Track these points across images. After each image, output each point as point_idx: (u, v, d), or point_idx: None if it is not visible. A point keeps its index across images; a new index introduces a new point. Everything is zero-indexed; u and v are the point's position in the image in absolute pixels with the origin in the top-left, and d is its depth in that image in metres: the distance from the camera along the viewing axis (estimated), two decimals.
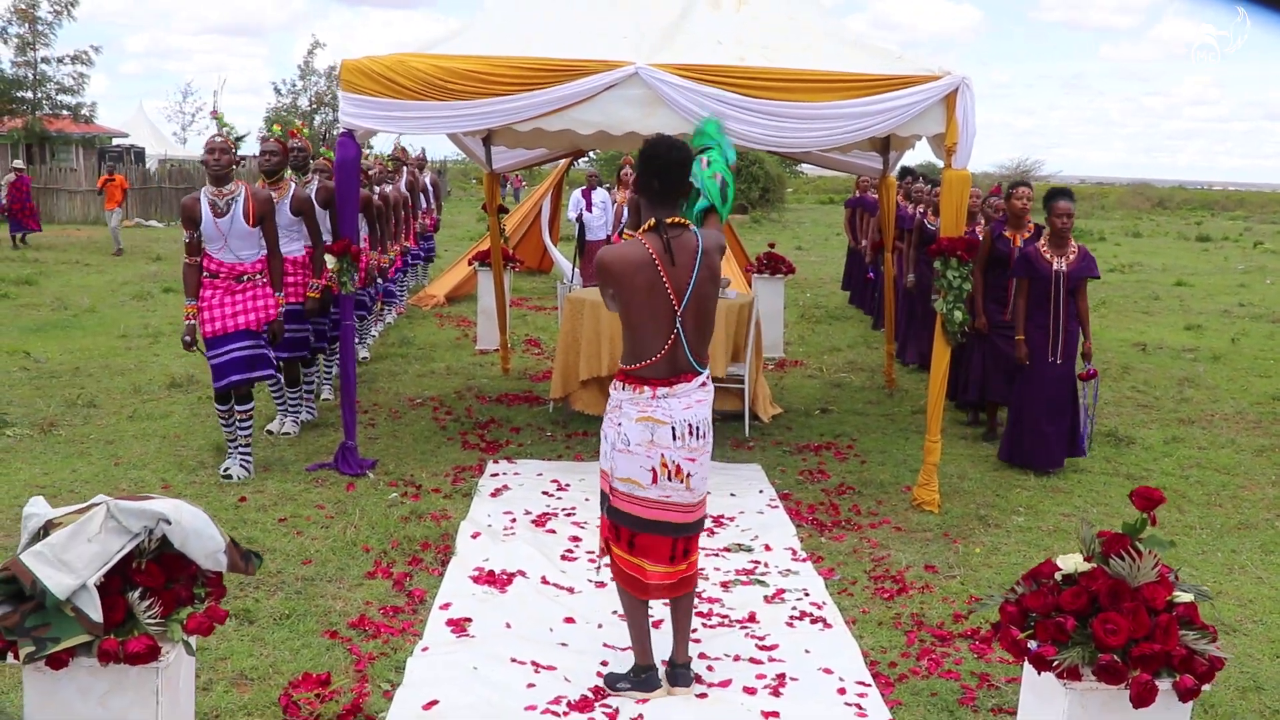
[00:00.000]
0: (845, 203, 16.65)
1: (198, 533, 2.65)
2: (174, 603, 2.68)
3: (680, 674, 4.28)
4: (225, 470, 6.67)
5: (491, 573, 5.30)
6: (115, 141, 42.09)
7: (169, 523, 2.60)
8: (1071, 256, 7.01)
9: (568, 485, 6.82)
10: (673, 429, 3.99)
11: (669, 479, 4.02)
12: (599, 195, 16.35)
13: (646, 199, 4.04)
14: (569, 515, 6.29)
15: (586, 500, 6.52)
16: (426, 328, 13.10)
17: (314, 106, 46.21)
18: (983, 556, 5.85)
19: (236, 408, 6.70)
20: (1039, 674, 2.89)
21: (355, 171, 6.71)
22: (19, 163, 25.32)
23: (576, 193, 16.56)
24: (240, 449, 6.75)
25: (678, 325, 3.97)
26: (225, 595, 2.88)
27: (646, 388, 4.00)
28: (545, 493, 6.68)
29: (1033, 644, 2.86)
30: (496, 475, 6.99)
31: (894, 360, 10.33)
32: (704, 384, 4.11)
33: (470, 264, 12.30)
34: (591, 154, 17.21)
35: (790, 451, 7.90)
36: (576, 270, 16.21)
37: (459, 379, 10.06)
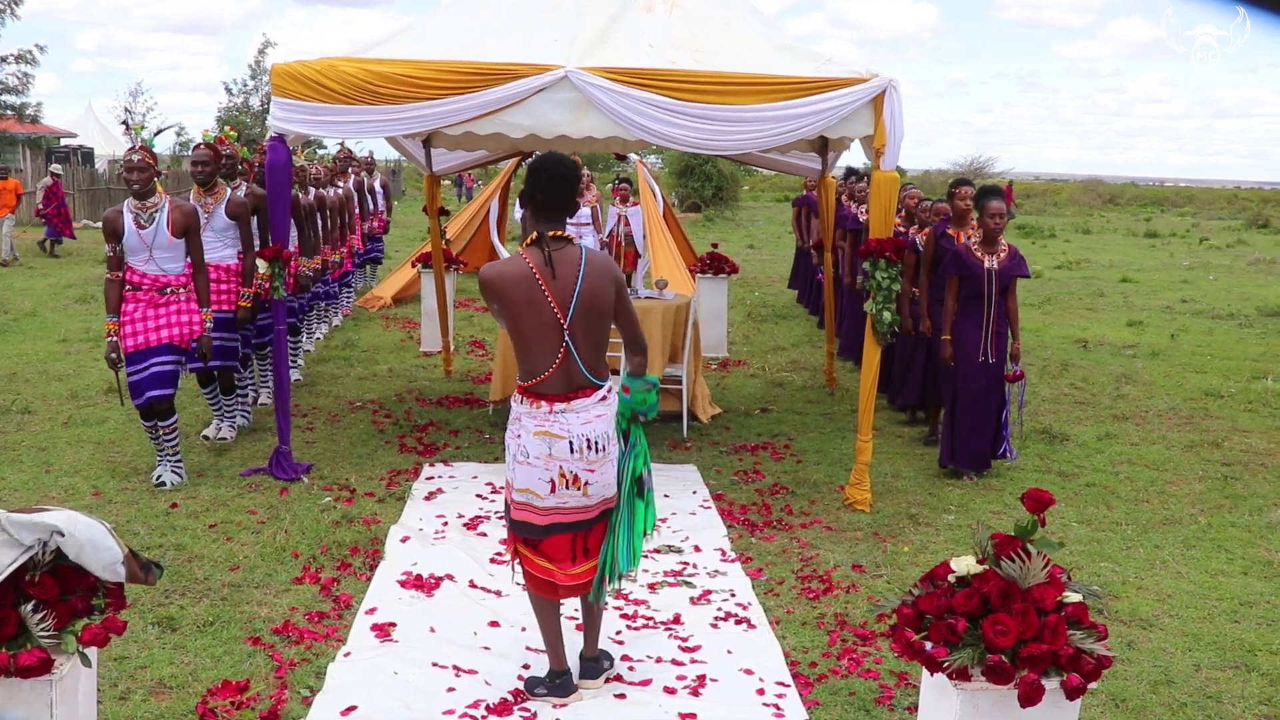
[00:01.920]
0: (793, 202, 16.76)
1: (93, 544, 2.65)
2: (69, 614, 2.67)
3: (588, 667, 4.35)
4: (157, 478, 6.62)
5: (419, 577, 5.31)
6: (63, 142, 41.52)
7: (62, 535, 2.59)
8: (1002, 255, 7.10)
9: (502, 488, 6.82)
10: (570, 444, 3.99)
11: (566, 488, 4.04)
12: None
13: (531, 211, 4.04)
14: (501, 518, 6.29)
15: None
16: (372, 330, 13.06)
17: (265, 107, 45.75)
18: (910, 555, 5.92)
19: (159, 423, 6.65)
20: (931, 675, 2.95)
21: (286, 176, 6.69)
22: (56, 168, 24.84)
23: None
24: (169, 457, 6.71)
25: (566, 339, 3.96)
26: (125, 606, 2.87)
27: (544, 403, 4.00)
28: (479, 495, 6.69)
29: (928, 644, 2.91)
30: (432, 479, 6.99)
31: (834, 359, 10.40)
32: (604, 398, 4.10)
33: (413, 265, 12.29)
34: (537, 154, 17.20)
35: (727, 452, 7.95)
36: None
37: (401, 381, 10.04)
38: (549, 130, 6.59)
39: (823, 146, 9.24)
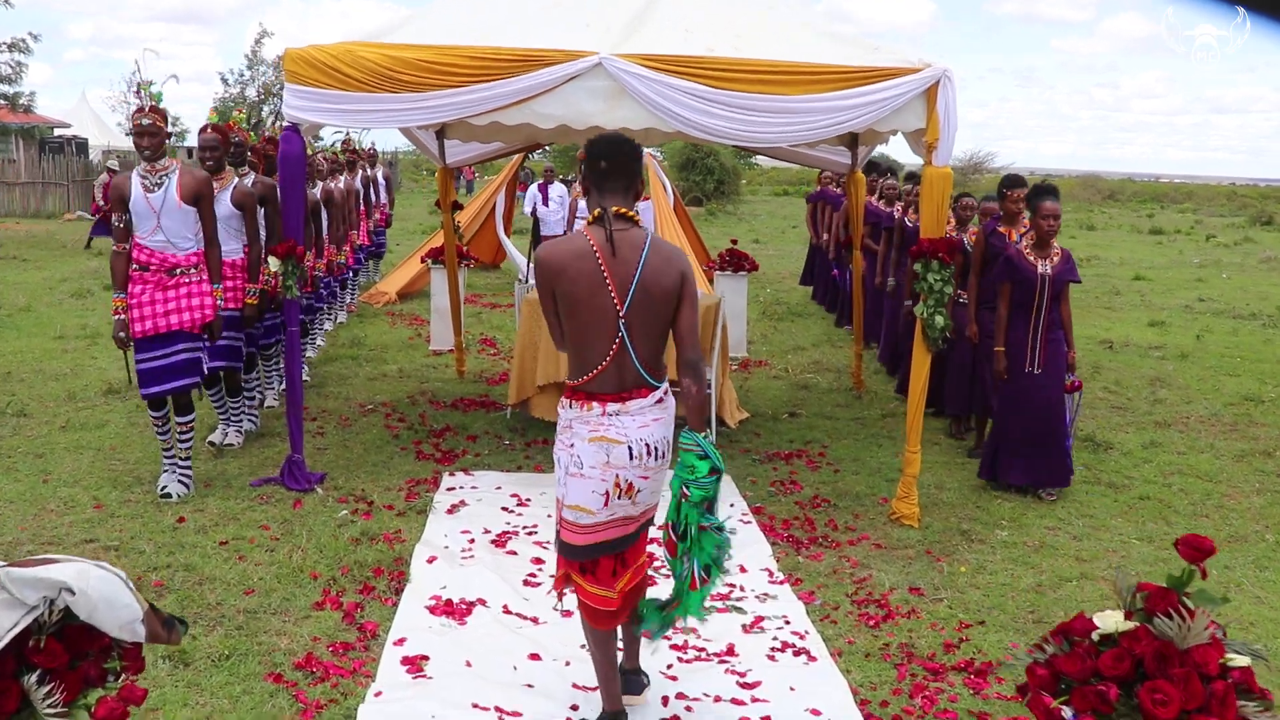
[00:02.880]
0: (807, 197, 16.37)
1: (109, 601, 2.26)
2: (80, 684, 2.27)
3: (632, 681, 4.05)
4: (163, 488, 6.23)
5: (449, 602, 4.92)
6: (57, 132, 40.96)
7: (73, 593, 2.20)
8: (1055, 259, 6.70)
9: (528, 500, 6.45)
10: (629, 449, 3.65)
11: (620, 498, 3.71)
12: (555, 189, 16.00)
13: (592, 184, 3.72)
14: (530, 534, 5.92)
15: (549, 517, 6.13)
16: (378, 327, 12.65)
17: (261, 97, 45.25)
18: (969, 576, 5.55)
19: (176, 418, 6.26)
20: None
21: (300, 167, 6.29)
22: (113, 163, 24.35)
23: (533, 187, 16.19)
24: (179, 464, 6.32)
25: (621, 329, 3.61)
26: (143, 668, 2.47)
27: (595, 404, 3.66)
28: (505, 509, 6.30)
29: (1067, 711, 2.53)
30: (453, 489, 6.60)
31: (862, 361, 10.02)
32: (660, 400, 3.75)
33: (423, 261, 11.88)
34: (546, 146, 16.79)
35: (759, 460, 7.57)
36: (532, 266, 15.81)
37: (412, 382, 9.64)
38: (581, 120, 6.19)
39: (852, 140, 8.87)
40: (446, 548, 5.59)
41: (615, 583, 3.80)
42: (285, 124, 6.16)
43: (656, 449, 3.71)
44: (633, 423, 3.65)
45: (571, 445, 3.71)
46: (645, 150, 16.64)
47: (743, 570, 5.47)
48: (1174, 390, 10.37)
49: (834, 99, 6.02)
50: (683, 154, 39.00)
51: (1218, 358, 12.26)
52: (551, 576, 5.25)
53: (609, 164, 3.65)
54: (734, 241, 11.79)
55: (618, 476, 3.66)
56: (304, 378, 9.28)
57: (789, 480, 7.09)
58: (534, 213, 15.78)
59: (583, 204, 15.80)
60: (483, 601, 4.95)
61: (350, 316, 13.05)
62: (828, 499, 6.72)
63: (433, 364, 10.56)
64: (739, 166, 43.70)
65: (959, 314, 7.70)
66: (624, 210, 3.66)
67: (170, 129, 6.09)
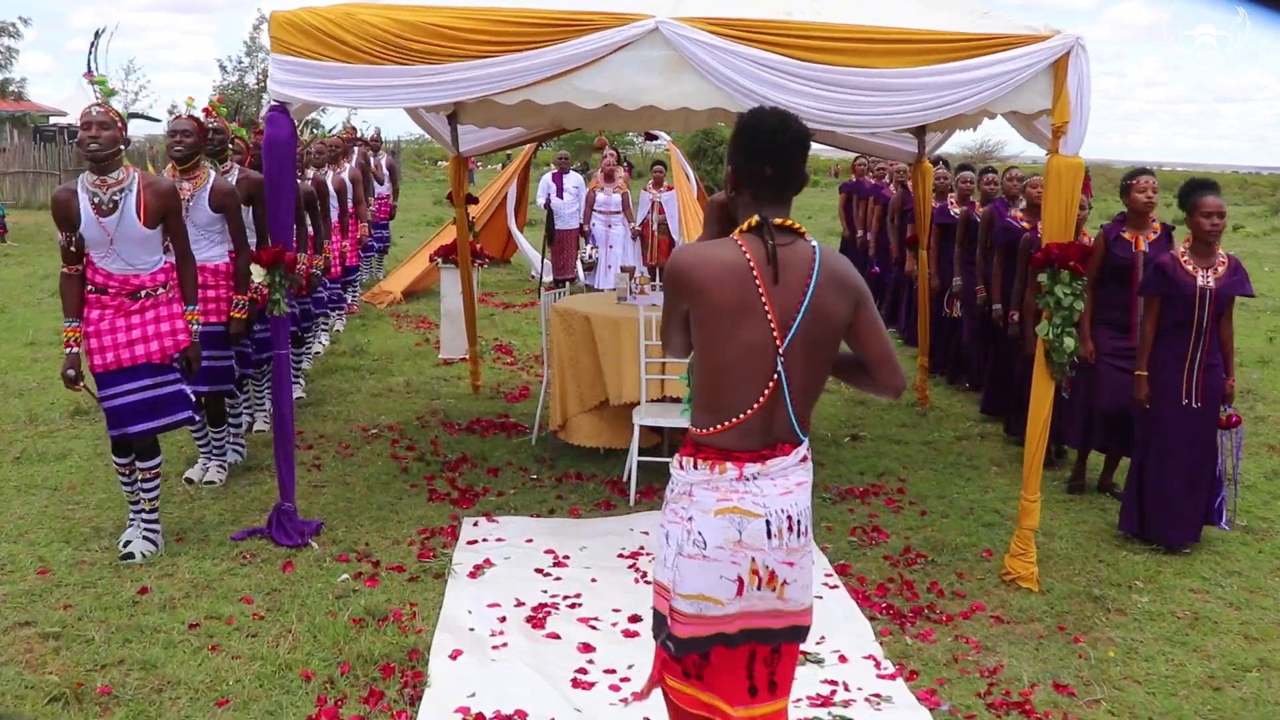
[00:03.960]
0: (840, 188, 15.25)
1: None
2: None
3: None
4: (124, 545, 5.14)
5: (480, 716, 3.83)
6: (52, 120, 39.85)
7: None
8: (1220, 268, 5.58)
9: (566, 558, 5.35)
10: (767, 523, 2.71)
11: (759, 588, 2.74)
12: (571, 179, 14.90)
13: (750, 191, 2.74)
14: (574, 607, 4.83)
15: (594, 582, 5.08)
16: (382, 331, 11.54)
17: (261, 84, 44.08)
18: (1121, 664, 4.46)
19: (138, 464, 5.18)
20: None
21: (289, 156, 5.18)
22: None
23: (546, 176, 15.08)
24: (145, 517, 5.24)
25: (779, 368, 2.68)
26: None
27: (730, 464, 2.72)
28: (539, 570, 5.20)
29: None
30: (474, 543, 5.51)
31: (928, 374, 8.91)
32: (805, 458, 2.82)
33: (431, 260, 10.77)
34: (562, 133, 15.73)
35: (831, 499, 6.46)
36: (546, 261, 14.75)
37: (421, 399, 8.55)
38: (633, 98, 5.09)
39: (920, 126, 7.78)
40: (472, 630, 4.49)
41: (754, 704, 2.80)
42: (271, 103, 5.06)
43: (799, 523, 2.76)
44: (773, 488, 2.72)
45: (689, 519, 2.74)
46: (669, 137, 15.62)
47: (843, 660, 4.39)
48: (1271, 404, 9.27)
49: (943, 74, 4.93)
50: (694, 142, 37.77)
51: None
52: (608, 671, 4.21)
53: (776, 169, 2.72)
54: None
55: (754, 560, 2.72)
56: (300, 395, 8.21)
57: (870, 527, 5.99)
58: (548, 205, 14.67)
59: (600, 195, 14.69)
60: (523, 715, 3.85)
61: (350, 320, 11.93)
62: (922, 552, 5.62)
63: (443, 375, 9.46)
64: None
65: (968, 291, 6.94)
66: (787, 222, 2.72)
67: (126, 135, 4.98)
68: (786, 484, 2.73)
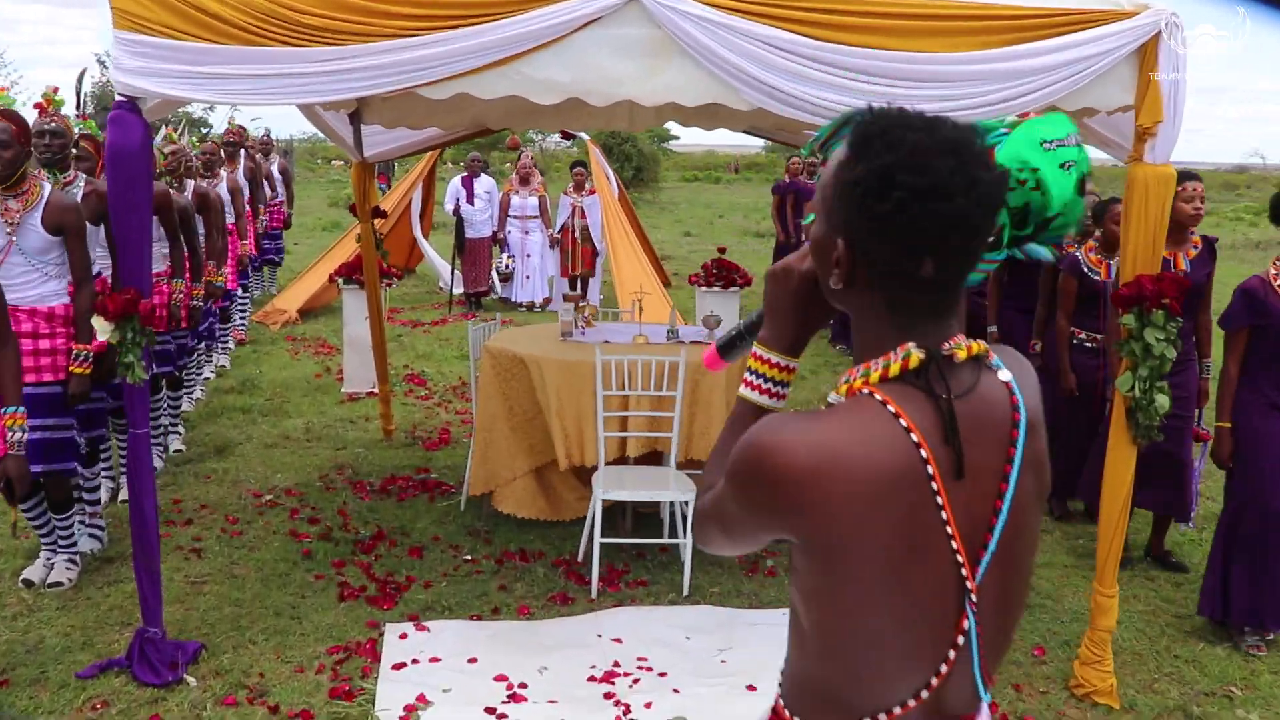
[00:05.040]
0: (773, 188, 14.18)
1: None
2: None
3: None
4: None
5: None
6: None
7: None
8: None
9: (523, 686, 4.13)
10: None
11: None
12: (483, 183, 13.63)
13: (898, 297, 1.48)
14: None
15: None
16: (276, 358, 10.13)
17: None
18: None
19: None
20: None
21: (143, 170, 3.85)
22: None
23: (455, 180, 13.77)
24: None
25: (969, 620, 1.46)
26: None
27: None
28: (490, 710, 3.97)
29: None
30: (402, 666, 4.25)
31: None
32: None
33: (331, 280, 9.41)
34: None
35: None
36: (456, 272, 13.45)
37: (325, 449, 7.22)
38: (604, 90, 3.89)
39: None
40: None
41: None
42: (117, 97, 3.74)
43: None
44: None
45: None
46: (587, 136, 14.39)
47: None
48: None
49: (1006, 59, 3.83)
50: (598, 139, 36.52)
51: None
52: None
53: (959, 248, 1.43)
54: (722, 250, 9.56)
55: None
56: (178, 449, 6.86)
57: None
58: (457, 211, 13.36)
59: (515, 200, 13.44)
60: None
61: (241, 346, 10.48)
62: None
63: (349, 415, 8.13)
64: (657, 152, 41.48)
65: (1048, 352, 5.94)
66: (966, 345, 1.49)
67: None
68: None
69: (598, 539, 5.02)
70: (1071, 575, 5.42)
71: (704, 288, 9.35)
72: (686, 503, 5.07)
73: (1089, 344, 5.87)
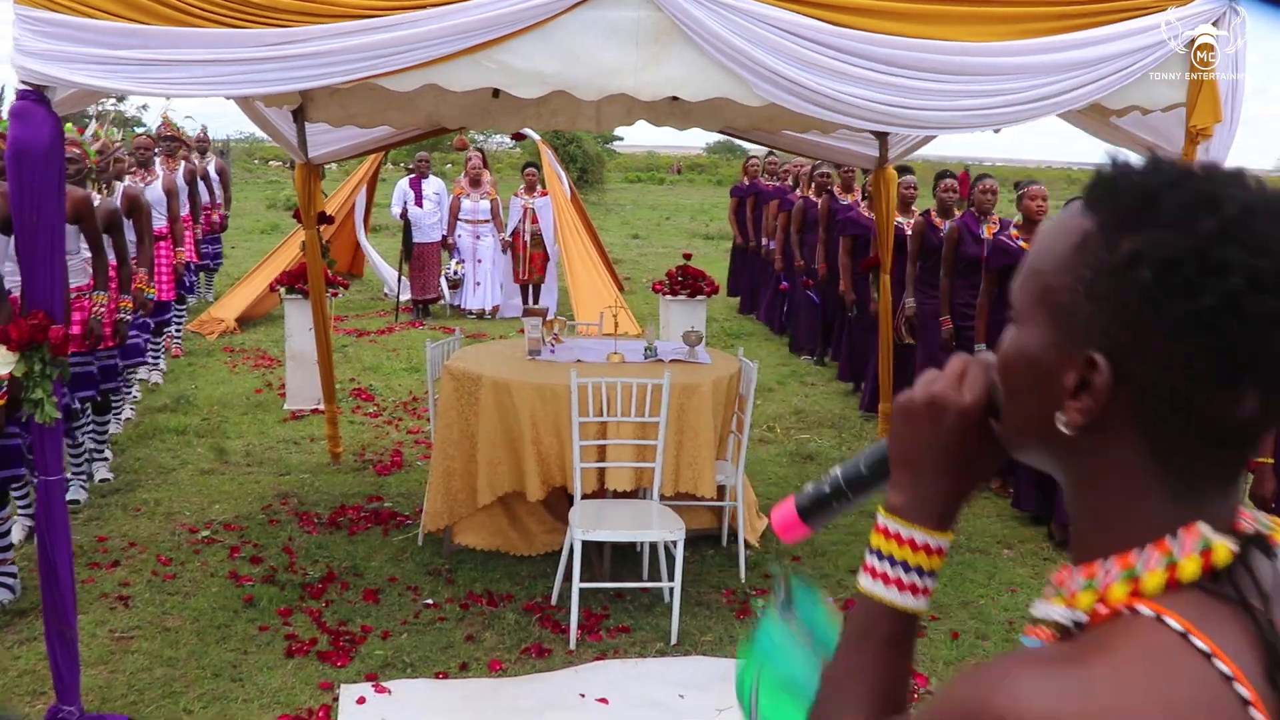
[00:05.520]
0: (731, 190, 13.78)
1: None
2: None
3: None
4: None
5: None
6: None
7: None
8: None
9: None
10: None
11: None
12: (431, 184, 13.02)
13: (1165, 439, 0.89)
14: None
15: None
16: (214, 372, 9.49)
17: None
18: None
19: None
20: None
21: (52, 171, 3.29)
22: None
23: (402, 182, 13.15)
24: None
25: None
26: None
27: None
28: None
29: None
30: None
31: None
32: None
33: (273, 289, 8.80)
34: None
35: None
36: (403, 280, 12.85)
37: (267, 475, 6.64)
38: (595, 82, 3.40)
39: None
40: None
41: None
42: (18, 88, 3.17)
43: None
44: None
45: None
46: (537, 135, 13.86)
47: None
48: None
49: (1044, 50, 3.41)
50: (546, 139, 35.91)
51: None
52: None
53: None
54: (687, 256, 9.10)
55: None
56: (105, 478, 6.27)
57: None
58: (404, 214, 12.76)
59: (466, 203, 12.87)
60: None
61: (175, 362, 9.81)
62: None
63: (293, 435, 7.55)
64: (601, 153, 40.97)
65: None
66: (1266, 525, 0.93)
67: None
68: None
69: (576, 584, 4.52)
70: None
71: (669, 296, 8.87)
72: (674, 543, 4.58)
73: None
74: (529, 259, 12.79)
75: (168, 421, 7.64)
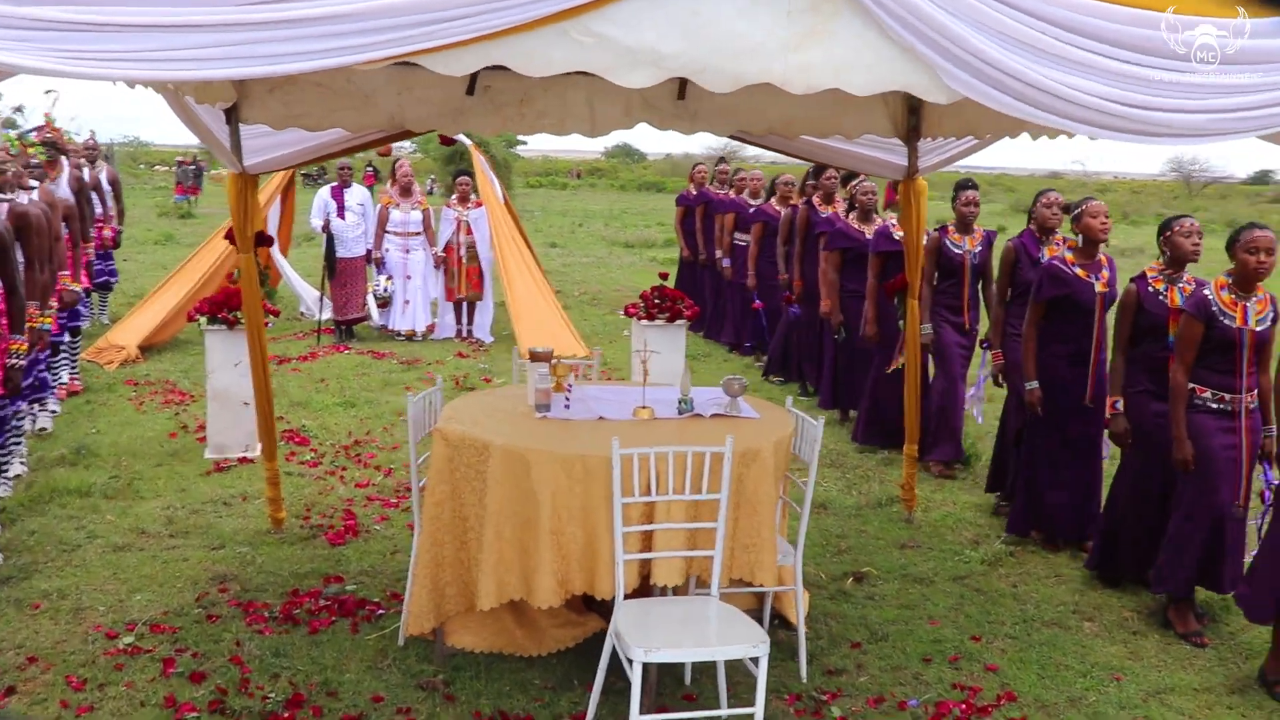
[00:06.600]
0: (678, 199, 12.84)
1: None
2: None
3: None
4: None
5: None
6: None
7: None
8: None
9: None
10: None
11: None
12: (355, 194, 11.85)
13: None
14: None
15: None
16: (116, 410, 8.21)
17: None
18: None
19: None
20: None
21: None
22: None
23: (324, 191, 11.94)
24: None
25: None
26: None
27: None
28: None
29: None
30: None
31: (916, 467, 6.51)
32: None
33: (191, 319, 7.52)
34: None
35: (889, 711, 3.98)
36: (325, 298, 11.67)
37: (196, 548, 5.49)
38: (728, 67, 2.37)
39: (911, 128, 5.52)
40: None
41: None
42: None
43: None
44: None
45: None
46: (469, 141, 12.76)
47: None
48: None
49: None
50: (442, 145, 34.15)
51: None
52: None
53: None
54: (664, 276, 8.14)
55: None
56: None
57: None
58: (326, 227, 11.56)
59: (396, 214, 11.73)
60: None
61: (68, 401, 8.48)
62: None
63: (221, 494, 6.38)
64: (509, 157, 39.68)
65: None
66: None
67: None
68: None
69: (637, 716, 3.51)
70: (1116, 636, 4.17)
71: (644, 321, 7.89)
72: (755, 660, 3.60)
73: (1216, 404, 4.68)
74: (464, 274, 11.72)
75: (67, 480, 6.40)
